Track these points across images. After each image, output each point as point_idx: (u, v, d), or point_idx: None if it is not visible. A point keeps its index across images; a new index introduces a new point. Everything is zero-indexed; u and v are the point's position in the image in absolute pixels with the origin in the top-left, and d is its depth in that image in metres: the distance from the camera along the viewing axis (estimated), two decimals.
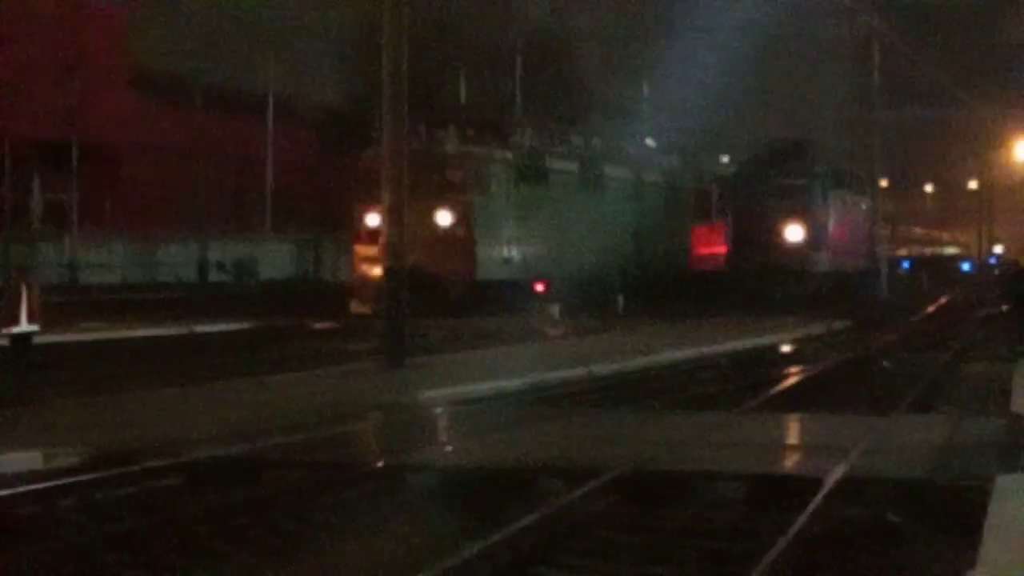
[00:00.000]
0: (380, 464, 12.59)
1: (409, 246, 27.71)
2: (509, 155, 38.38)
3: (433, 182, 34.07)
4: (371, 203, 33.99)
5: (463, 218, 35.76)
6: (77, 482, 11.78)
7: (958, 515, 9.81)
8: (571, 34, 69.74)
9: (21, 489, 11.37)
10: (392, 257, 24.30)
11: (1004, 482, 10.23)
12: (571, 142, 45.00)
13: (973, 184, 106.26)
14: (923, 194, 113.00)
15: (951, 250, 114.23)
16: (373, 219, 34.29)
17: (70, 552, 9.72)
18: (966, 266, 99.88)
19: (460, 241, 35.30)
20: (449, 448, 13.70)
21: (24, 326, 22.08)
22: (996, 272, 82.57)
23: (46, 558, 9.50)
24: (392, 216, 24.40)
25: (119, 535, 10.31)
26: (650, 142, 62.35)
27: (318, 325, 35.15)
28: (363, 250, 35.25)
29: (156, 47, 56.21)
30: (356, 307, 35.21)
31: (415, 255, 31.64)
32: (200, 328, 33.48)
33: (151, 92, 57.24)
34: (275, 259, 56.48)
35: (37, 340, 21.82)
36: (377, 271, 32.40)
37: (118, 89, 54.56)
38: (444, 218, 34.41)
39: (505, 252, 37.43)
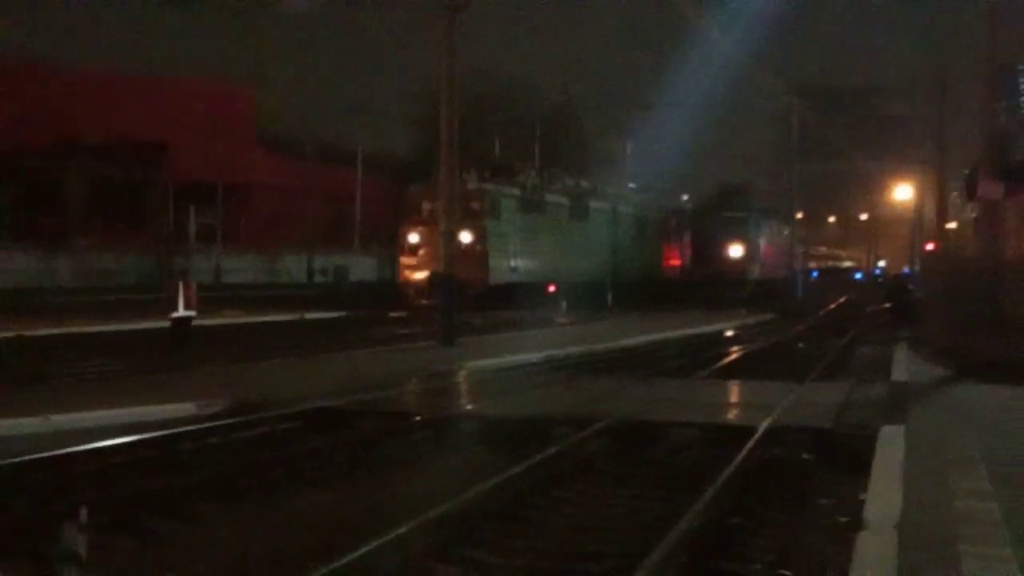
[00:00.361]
0: (437, 414, 12.60)
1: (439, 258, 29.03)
2: (515, 191, 38.08)
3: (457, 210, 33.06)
4: (412, 225, 35.71)
5: (479, 237, 35.30)
6: (218, 426, 11.82)
7: (853, 454, 9.82)
8: (578, 106, 70.25)
9: (180, 430, 11.42)
10: (447, 266, 24.32)
11: (886, 431, 10.26)
12: (564, 182, 44.41)
13: (864, 216, 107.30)
14: (828, 223, 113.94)
15: (847, 264, 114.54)
16: (414, 237, 35.49)
17: (213, 477, 9.77)
18: (858, 275, 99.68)
19: (477, 254, 34.74)
20: (487, 403, 13.67)
21: (182, 312, 22.17)
22: (880, 280, 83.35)
23: (197, 481, 9.55)
24: (447, 238, 24.41)
25: (248, 465, 10.36)
26: (631, 184, 63.32)
27: (393, 314, 34.79)
28: (406, 260, 36.15)
29: (277, 115, 56.56)
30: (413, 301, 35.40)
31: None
32: (308, 315, 33.47)
33: (274, 147, 57.71)
34: (362, 267, 56.64)
35: (193, 323, 21.87)
36: (416, 276, 35.11)
37: (250, 145, 55.14)
38: (465, 237, 32.92)
39: (511, 263, 37.21)
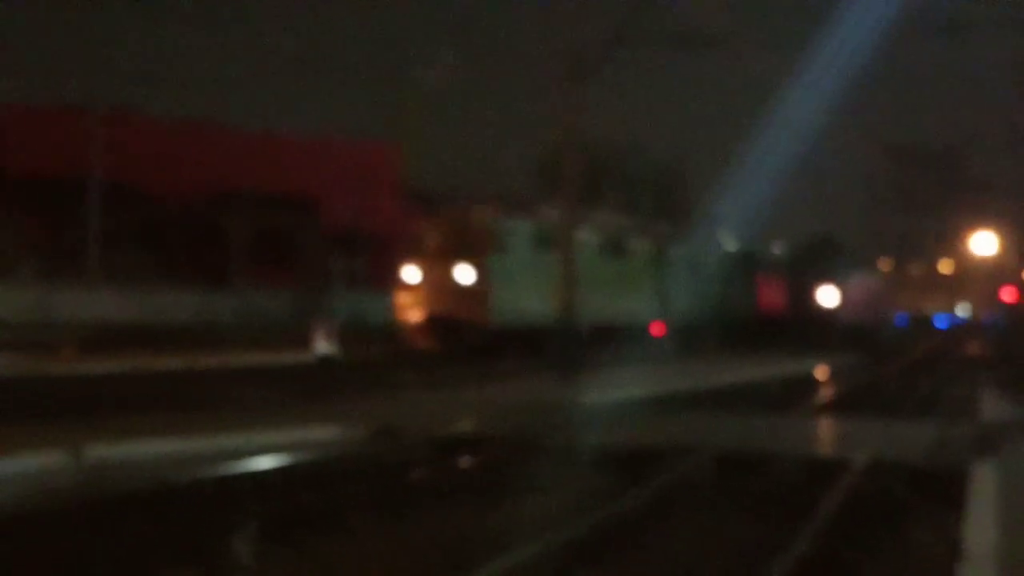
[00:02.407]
0: (559, 442, 12.56)
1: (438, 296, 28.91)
2: (529, 225, 31.35)
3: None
4: (411, 260, 30.15)
5: (482, 274, 29.38)
6: (359, 451, 11.95)
7: (947, 489, 9.53)
8: (681, 165, 70.10)
9: (327, 453, 11.56)
10: (565, 310, 24.26)
11: (977, 468, 9.93)
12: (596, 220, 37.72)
13: (948, 266, 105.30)
14: (913, 272, 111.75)
15: (933, 310, 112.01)
16: (411, 273, 29.84)
17: (360, 494, 9.84)
18: (943, 321, 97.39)
19: (478, 293, 29.21)
20: (601, 433, 13.58)
21: (326, 348, 22.47)
22: (963, 326, 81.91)
23: (346, 498, 9.64)
24: (566, 282, 24.36)
25: (391, 485, 10.42)
26: (726, 234, 62.77)
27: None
28: (403, 299, 30.18)
29: (415, 170, 57.13)
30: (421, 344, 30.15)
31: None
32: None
33: (411, 199, 58.38)
34: None
35: (336, 358, 22.16)
36: (414, 315, 29.74)
37: (389, 198, 55.81)
38: (466, 274, 29.12)
39: (520, 303, 30.02)
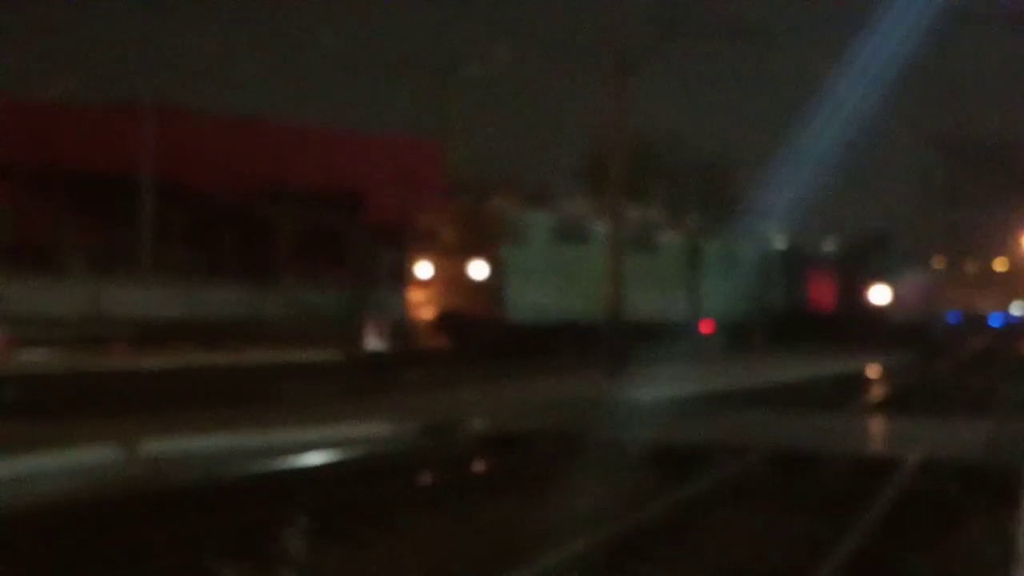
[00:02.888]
0: (608, 438, 12.57)
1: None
2: (549, 217, 29.26)
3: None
4: (420, 254, 27.83)
5: (495, 268, 27.21)
6: (411, 445, 12.04)
7: (1002, 487, 9.46)
8: (730, 159, 69.63)
9: (379, 451, 11.65)
10: (610, 308, 24.21)
11: None
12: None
13: (1002, 263, 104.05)
14: (967, 269, 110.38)
15: (986, 308, 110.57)
16: (422, 268, 27.65)
17: (410, 489, 9.95)
18: (996, 320, 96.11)
19: (490, 288, 27.24)
20: (651, 429, 13.55)
21: (374, 344, 22.58)
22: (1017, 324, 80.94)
23: (397, 492, 9.74)
24: (611, 279, 24.33)
25: (441, 479, 10.53)
26: (775, 230, 62.34)
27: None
28: (414, 295, 27.98)
29: (460, 165, 57.02)
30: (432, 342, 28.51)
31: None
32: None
33: (456, 193, 58.27)
34: None
35: (386, 353, 22.26)
36: (424, 312, 27.83)
37: (433, 192, 55.72)
38: (479, 268, 27.05)
39: (537, 298, 28.18)
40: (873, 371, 29.45)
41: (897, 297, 51.34)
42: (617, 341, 23.83)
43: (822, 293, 51.89)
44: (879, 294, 50.45)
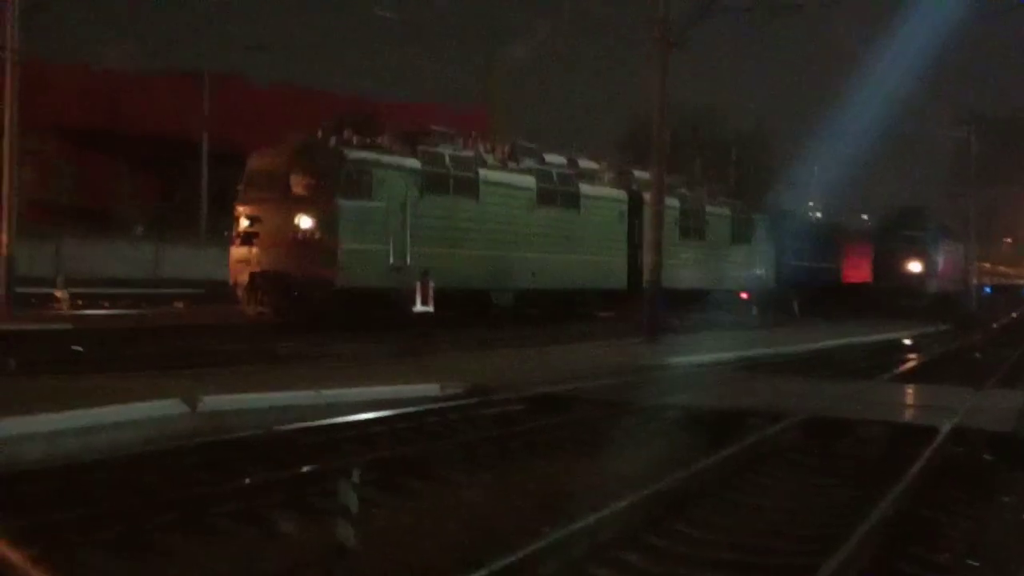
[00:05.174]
0: (646, 403, 12.59)
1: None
2: (413, 163, 23.63)
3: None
4: (243, 204, 22.46)
5: (323, 221, 21.94)
6: (458, 404, 12.10)
7: None
8: (767, 134, 69.13)
9: (428, 407, 11.73)
10: (651, 274, 24.20)
11: None
12: (539, 160, 28.41)
13: None
14: (1002, 243, 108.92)
15: (1019, 281, 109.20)
16: (244, 220, 22.29)
17: (458, 445, 10.03)
18: None
19: (318, 244, 21.86)
20: (689, 395, 13.54)
21: (420, 307, 22.60)
22: None
23: (444, 448, 9.83)
24: (654, 248, 24.32)
25: (486, 437, 10.61)
26: (812, 204, 62.00)
27: (603, 314, 31.80)
28: (236, 252, 22.47)
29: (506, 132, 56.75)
30: (249, 310, 22.79)
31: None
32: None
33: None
34: None
35: (431, 315, 22.25)
36: (243, 274, 22.33)
37: None
38: (304, 222, 21.73)
39: (392, 260, 22.78)
40: (908, 340, 29.29)
41: (932, 270, 51.08)
42: (655, 309, 23.81)
43: (859, 265, 51.58)
44: (914, 266, 50.21)
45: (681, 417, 11.87)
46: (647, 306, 24.37)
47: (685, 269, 31.32)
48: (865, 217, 65.70)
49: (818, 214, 59.54)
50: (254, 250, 21.44)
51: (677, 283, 30.25)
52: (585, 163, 29.76)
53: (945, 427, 10.41)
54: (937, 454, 9.37)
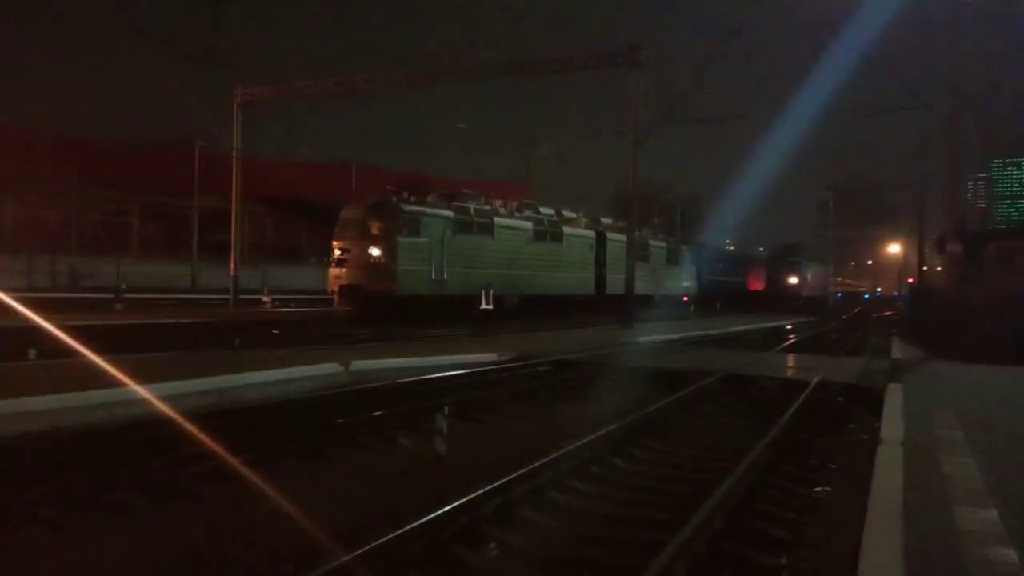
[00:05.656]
0: (625, 366, 12.50)
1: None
2: (446, 212, 22.37)
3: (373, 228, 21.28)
4: (338, 240, 21.23)
5: (387, 251, 20.70)
6: (508, 366, 12.05)
7: (870, 400, 9.27)
8: (697, 197, 68.30)
9: (489, 367, 11.72)
10: (627, 283, 23.97)
11: (891, 387, 9.59)
12: (537, 213, 27.46)
13: (870, 261, 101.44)
14: (849, 265, 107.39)
15: (860, 289, 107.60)
16: (337, 252, 21.07)
17: (508, 392, 10.00)
18: (867, 296, 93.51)
19: (383, 266, 20.58)
20: (653, 360, 13.43)
21: (486, 305, 22.42)
22: (879, 299, 79.28)
23: (498, 393, 9.81)
24: (629, 269, 24.08)
25: (527, 387, 10.55)
26: (727, 240, 61.63)
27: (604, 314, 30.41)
28: (333, 271, 21.19)
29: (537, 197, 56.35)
30: (340, 308, 22.16)
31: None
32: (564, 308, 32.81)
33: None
34: None
35: (492, 311, 22.13)
36: (336, 286, 21.19)
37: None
38: (373, 251, 20.67)
39: (433, 276, 21.70)
40: (789, 327, 28.94)
41: (804, 282, 50.64)
42: (631, 307, 23.68)
43: (757, 279, 51.15)
44: (793, 279, 49.89)
45: (648, 374, 11.77)
46: (626, 302, 24.19)
47: (637, 282, 29.74)
48: (761, 249, 65.20)
49: (731, 247, 59.08)
50: (343, 270, 20.79)
51: (642, 290, 29.34)
52: (568, 213, 29.34)
53: (814, 380, 10.30)
54: (808, 398, 9.27)
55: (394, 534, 4.18)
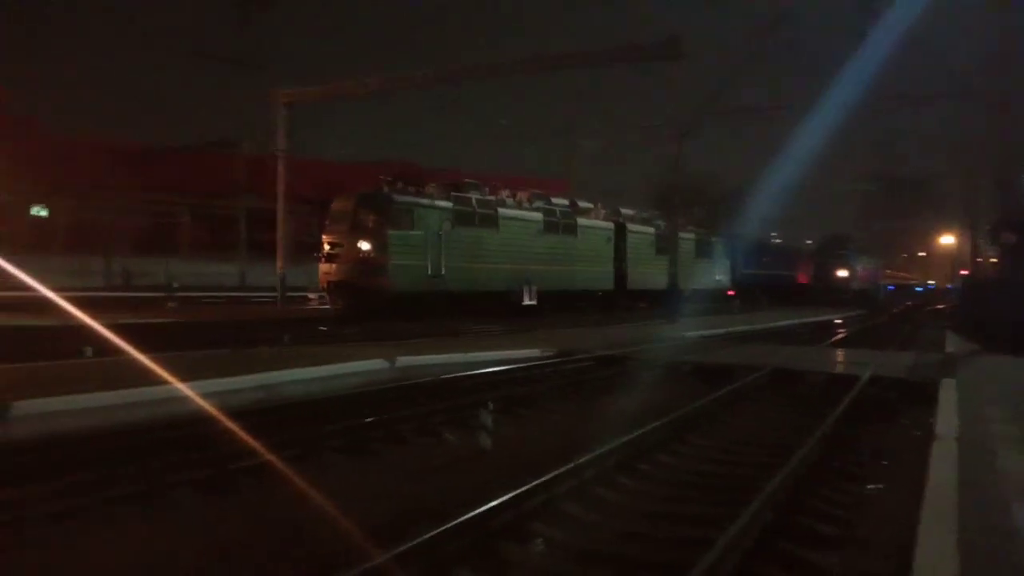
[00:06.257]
0: (670, 361, 12.35)
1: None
2: (444, 203, 20.83)
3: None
4: (327, 235, 19.89)
5: (378, 245, 19.22)
6: (551, 362, 12.02)
7: (923, 395, 9.03)
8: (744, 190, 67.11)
9: (532, 363, 11.70)
10: (671, 279, 23.81)
11: (944, 381, 9.34)
12: (548, 203, 25.25)
13: (922, 253, 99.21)
14: (900, 257, 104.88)
15: (911, 282, 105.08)
16: (327, 246, 19.70)
17: (552, 387, 9.98)
18: (918, 289, 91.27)
19: (374, 261, 19.27)
20: (697, 355, 13.26)
21: (529, 300, 22.47)
22: (931, 291, 77.48)
23: (542, 389, 9.80)
24: (672, 264, 23.92)
25: (571, 381, 10.52)
26: (774, 234, 60.37)
27: (642, 305, 29.12)
28: (323, 267, 19.85)
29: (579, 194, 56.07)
30: (331, 306, 20.52)
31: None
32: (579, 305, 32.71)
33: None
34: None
35: (534, 306, 22.09)
36: (325, 280, 19.96)
37: None
38: (363, 245, 19.21)
39: (430, 271, 20.02)
40: (836, 321, 28.38)
41: (853, 275, 49.66)
42: (674, 301, 23.47)
43: (805, 272, 50.26)
44: (842, 272, 48.99)
45: (693, 368, 11.69)
46: (669, 298, 24.01)
47: (661, 276, 28.37)
48: (809, 241, 64.01)
49: (777, 239, 57.89)
50: (333, 265, 19.32)
51: (655, 285, 28.65)
52: (584, 204, 27.15)
53: (865, 375, 10.07)
54: (859, 392, 9.07)
55: (438, 530, 4.19)
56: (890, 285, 75.76)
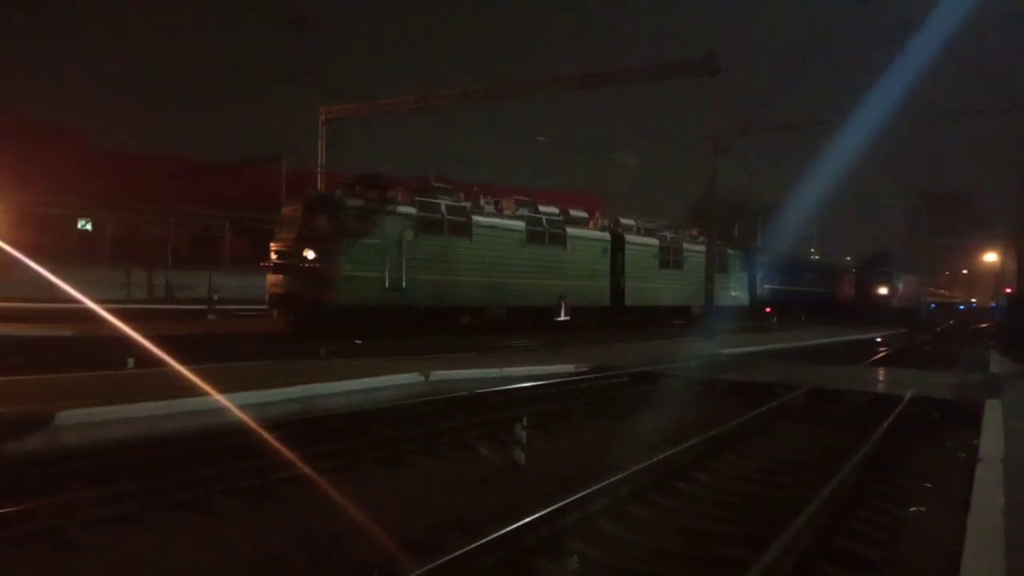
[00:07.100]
0: (706, 379, 12.23)
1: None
2: (406, 209, 18.82)
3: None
4: (276, 243, 18.02)
5: (324, 254, 17.35)
6: (586, 378, 11.98)
7: (967, 416, 8.82)
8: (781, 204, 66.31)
9: (566, 379, 11.66)
10: (708, 297, 23.61)
11: (989, 402, 9.13)
12: (535, 212, 22.80)
13: (964, 271, 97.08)
14: (942, 275, 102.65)
15: (955, 300, 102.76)
16: (274, 255, 17.86)
17: (586, 403, 9.93)
18: (961, 307, 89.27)
19: (319, 272, 17.34)
20: (734, 373, 13.11)
21: (563, 316, 22.42)
22: (973, 309, 75.72)
23: (576, 405, 9.75)
24: (708, 280, 23.77)
25: (605, 398, 10.48)
26: (813, 251, 59.42)
27: (676, 321, 29.07)
28: (271, 278, 17.97)
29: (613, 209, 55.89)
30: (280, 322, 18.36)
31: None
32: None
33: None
34: None
35: (569, 321, 22.02)
36: (272, 292, 18.05)
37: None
38: (308, 254, 17.31)
39: (388, 284, 17.98)
40: (877, 339, 27.84)
41: (895, 292, 48.80)
42: (712, 318, 23.26)
43: (846, 288, 49.50)
44: (883, 289, 48.22)
45: (729, 387, 11.56)
46: (705, 314, 23.84)
47: (666, 291, 26.86)
48: (848, 258, 63.07)
49: (816, 256, 57.14)
50: (280, 276, 17.58)
51: (658, 301, 26.67)
52: (576, 213, 24.45)
53: (907, 395, 9.87)
54: (901, 413, 8.89)
55: (473, 544, 4.19)
56: (932, 303, 74.28)
